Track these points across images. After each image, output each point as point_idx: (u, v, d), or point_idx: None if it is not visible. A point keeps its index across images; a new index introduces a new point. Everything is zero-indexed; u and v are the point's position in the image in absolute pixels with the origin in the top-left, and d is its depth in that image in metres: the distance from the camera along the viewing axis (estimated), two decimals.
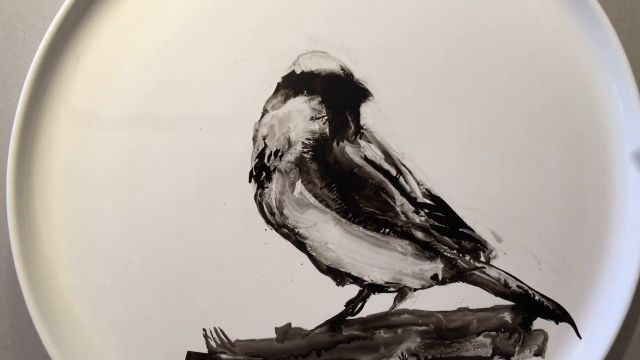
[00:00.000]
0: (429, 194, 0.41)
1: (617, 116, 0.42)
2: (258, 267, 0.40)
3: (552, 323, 0.41)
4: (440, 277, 0.41)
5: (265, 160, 0.40)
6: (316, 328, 0.40)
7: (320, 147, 0.40)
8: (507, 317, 0.41)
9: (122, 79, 0.39)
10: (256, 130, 0.40)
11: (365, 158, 0.40)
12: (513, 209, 0.41)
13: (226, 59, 0.40)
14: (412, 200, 0.41)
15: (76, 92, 0.39)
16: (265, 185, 0.40)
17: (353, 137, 0.40)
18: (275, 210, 0.40)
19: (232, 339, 0.39)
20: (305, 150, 0.40)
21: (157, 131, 0.39)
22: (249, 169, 0.40)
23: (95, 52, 0.39)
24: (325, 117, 0.40)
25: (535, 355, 0.41)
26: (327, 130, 0.40)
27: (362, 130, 0.40)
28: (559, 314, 0.41)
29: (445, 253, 0.41)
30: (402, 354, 0.40)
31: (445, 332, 0.40)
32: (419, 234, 0.40)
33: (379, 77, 0.40)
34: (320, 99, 0.40)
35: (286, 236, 0.40)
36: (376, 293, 0.40)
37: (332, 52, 0.40)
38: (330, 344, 0.40)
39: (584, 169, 0.42)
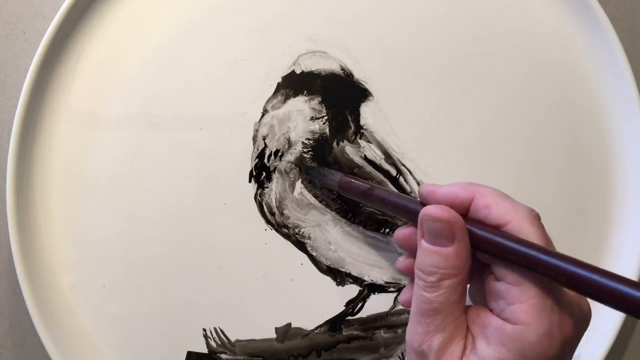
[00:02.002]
0: None
1: (617, 116, 0.42)
2: (258, 267, 0.40)
3: None
4: None
5: (265, 160, 0.40)
6: (316, 328, 0.40)
7: (320, 147, 0.40)
8: None
9: (122, 79, 0.39)
10: (256, 130, 0.40)
11: (365, 158, 0.40)
12: None
13: (226, 59, 0.40)
14: None
15: (76, 92, 0.39)
16: (265, 185, 0.40)
17: (353, 137, 0.40)
18: (275, 210, 0.40)
19: (232, 339, 0.39)
20: (305, 150, 0.40)
21: (157, 131, 0.39)
22: (249, 169, 0.40)
23: (95, 52, 0.39)
24: (325, 117, 0.40)
25: None
26: (327, 130, 0.40)
27: (362, 130, 0.40)
28: None
29: None
30: (402, 354, 0.40)
31: None
32: None
33: (379, 77, 0.40)
34: (320, 99, 0.40)
35: (286, 236, 0.40)
36: (376, 293, 0.40)
37: (332, 52, 0.40)
38: (330, 344, 0.40)
39: (584, 169, 0.42)
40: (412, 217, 0.29)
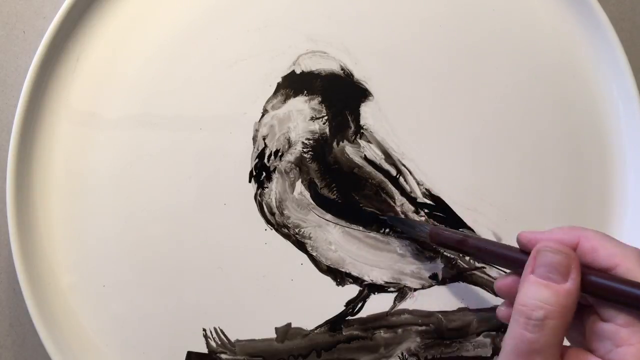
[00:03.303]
0: (429, 194, 0.41)
1: (617, 116, 0.42)
2: (258, 267, 0.40)
3: None
4: (440, 277, 0.41)
5: (265, 160, 0.40)
6: (316, 328, 0.40)
7: (320, 147, 0.40)
8: None
9: (122, 78, 0.39)
10: (256, 130, 0.40)
11: (365, 158, 0.40)
12: (513, 209, 0.41)
13: (226, 59, 0.40)
14: (412, 200, 0.41)
15: (76, 92, 0.39)
16: (265, 185, 0.40)
17: (353, 137, 0.40)
18: (275, 210, 0.40)
19: (232, 339, 0.39)
20: (305, 150, 0.40)
21: (157, 131, 0.39)
22: (249, 169, 0.40)
23: (95, 52, 0.39)
24: (325, 117, 0.40)
25: None
26: (327, 130, 0.40)
27: (362, 130, 0.40)
28: None
29: (445, 253, 0.41)
30: (402, 354, 0.40)
31: (445, 332, 0.40)
32: None
33: (379, 77, 0.40)
34: (320, 99, 0.40)
35: (286, 236, 0.40)
36: (376, 293, 0.40)
37: (332, 52, 0.40)
38: (330, 344, 0.40)
39: (584, 169, 0.42)
40: (512, 264, 0.29)
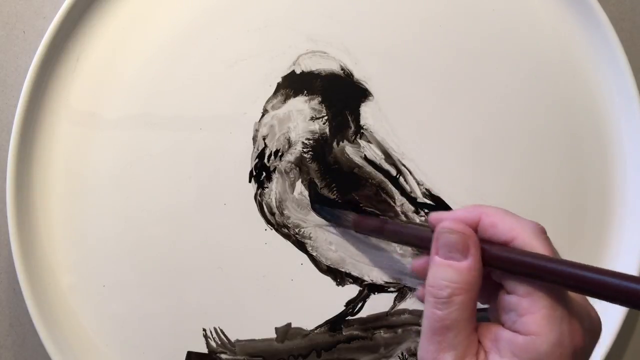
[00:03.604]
0: (429, 194, 0.41)
1: (617, 116, 0.42)
2: (258, 267, 0.40)
3: None
4: None
5: (265, 160, 0.40)
6: (316, 328, 0.40)
7: (320, 147, 0.40)
8: None
9: (122, 78, 0.39)
10: (256, 130, 0.40)
11: (365, 158, 0.40)
12: (513, 209, 0.41)
13: (226, 59, 0.40)
14: (412, 200, 0.41)
15: (76, 92, 0.39)
16: (265, 185, 0.40)
17: (353, 137, 0.40)
18: (275, 210, 0.40)
19: (232, 339, 0.39)
20: (305, 150, 0.40)
21: (157, 131, 0.39)
22: (249, 169, 0.40)
23: (95, 52, 0.39)
24: (325, 117, 0.40)
25: None
26: (327, 130, 0.40)
27: (362, 130, 0.40)
28: None
29: None
30: (402, 354, 0.40)
31: None
32: None
33: (379, 77, 0.40)
34: (320, 99, 0.40)
35: (286, 236, 0.40)
36: (376, 293, 0.40)
37: (332, 52, 0.40)
38: (330, 344, 0.40)
39: (584, 169, 0.42)
40: (425, 244, 0.30)
